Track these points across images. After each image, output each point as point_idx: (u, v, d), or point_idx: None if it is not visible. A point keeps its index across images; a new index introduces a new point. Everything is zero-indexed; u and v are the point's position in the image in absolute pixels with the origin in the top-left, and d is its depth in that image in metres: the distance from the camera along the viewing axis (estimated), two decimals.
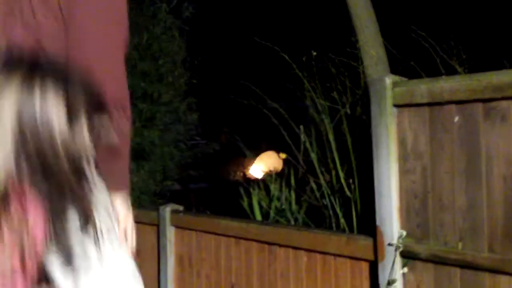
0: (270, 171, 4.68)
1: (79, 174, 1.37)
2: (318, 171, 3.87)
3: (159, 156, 6.32)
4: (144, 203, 6.24)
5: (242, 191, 4.48)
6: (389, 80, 2.91)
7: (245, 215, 4.48)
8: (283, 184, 4.26)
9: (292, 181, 4.22)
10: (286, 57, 3.91)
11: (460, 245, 2.70)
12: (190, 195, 6.99)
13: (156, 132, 6.26)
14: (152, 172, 6.34)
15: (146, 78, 6.28)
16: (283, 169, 4.35)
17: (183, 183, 7.31)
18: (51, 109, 1.35)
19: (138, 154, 6.20)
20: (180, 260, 4.38)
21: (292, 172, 4.24)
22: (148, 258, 4.56)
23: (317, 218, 4.06)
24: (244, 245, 3.86)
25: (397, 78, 2.94)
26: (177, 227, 4.38)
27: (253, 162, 5.08)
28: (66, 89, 1.37)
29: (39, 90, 1.35)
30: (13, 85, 1.34)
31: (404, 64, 3.66)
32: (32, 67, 1.38)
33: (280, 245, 3.59)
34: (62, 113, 1.35)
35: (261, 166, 5.04)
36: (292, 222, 4.14)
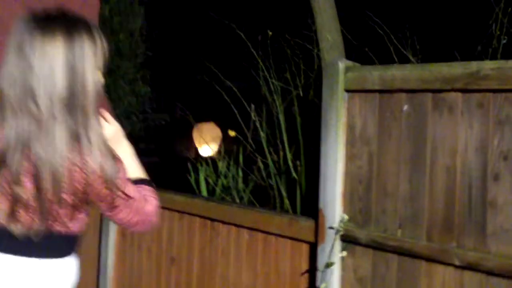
0: (219, 147, 4.66)
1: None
2: (266, 151, 3.87)
3: None
4: None
5: (190, 166, 4.45)
6: (342, 64, 2.91)
7: (192, 191, 4.46)
8: (231, 162, 4.25)
9: (241, 160, 4.22)
10: (242, 35, 3.88)
11: (399, 232, 2.73)
12: None
13: (107, 103, 6.17)
14: None
15: None
16: (231, 147, 4.33)
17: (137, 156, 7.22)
18: (87, 64, 1.68)
19: None
20: (122, 232, 4.35)
21: (241, 150, 4.23)
22: (90, 229, 4.51)
23: (263, 198, 4.06)
24: (187, 220, 3.85)
25: (350, 63, 2.94)
26: None
27: (194, 132, 5.07)
28: (96, 47, 1.71)
29: (79, 48, 1.67)
30: (58, 43, 1.65)
31: (359, 50, 3.67)
32: (70, 26, 1.68)
33: (223, 222, 3.59)
34: (93, 65, 1.69)
35: (199, 137, 5.01)
36: (238, 200, 4.14)
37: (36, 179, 1.65)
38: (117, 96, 6.27)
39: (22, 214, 1.68)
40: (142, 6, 6.46)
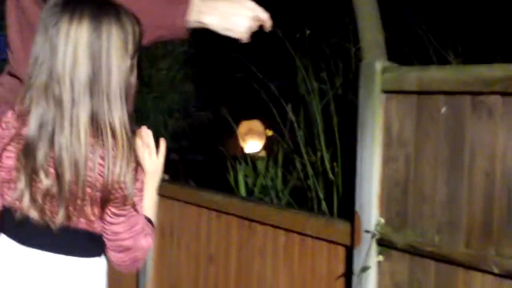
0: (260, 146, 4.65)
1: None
2: (303, 151, 3.83)
3: (152, 124, 6.28)
4: None
5: (229, 165, 4.44)
6: (379, 65, 2.85)
7: (232, 190, 4.45)
8: (271, 162, 4.22)
9: (280, 160, 4.19)
10: (280, 33, 3.83)
11: (437, 237, 2.67)
12: (183, 166, 6.95)
13: (151, 100, 6.19)
14: None
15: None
16: (271, 147, 4.30)
17: (180, 153, 7.27)
18: (113, 50, 1.63)
19: None
20: (161, 229, 4.36)
21: (280, 150, 4.19)
22: None
23: (301, 199, 4.03)
24: (225, 219, 3.85)
25: (387, 64, 2.89)
26: (160, 196, 4.34)
27: (239, 130, 5.07)
28: (125, 32, 1.65)
29: (106, 33, 1.62)
30: (84, 27, 1.61)
31: (401, 51, 3.60)
32: (98, 10, 1.63)
33: (260, 223, 3.57)
34: (121, 51, 1.64)
35: (244, 135, 5.02)
36: (276, 201, 4.11)
37: (58, 168, 1.61)
38: (159, 93, 6.28)
39: (46, 204, 1.65)
40: None
